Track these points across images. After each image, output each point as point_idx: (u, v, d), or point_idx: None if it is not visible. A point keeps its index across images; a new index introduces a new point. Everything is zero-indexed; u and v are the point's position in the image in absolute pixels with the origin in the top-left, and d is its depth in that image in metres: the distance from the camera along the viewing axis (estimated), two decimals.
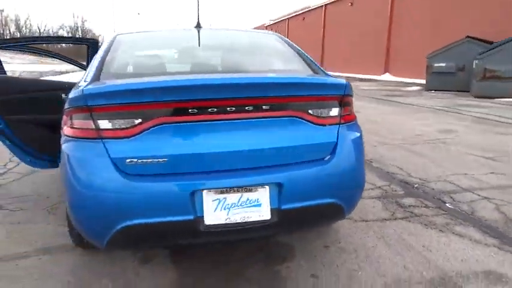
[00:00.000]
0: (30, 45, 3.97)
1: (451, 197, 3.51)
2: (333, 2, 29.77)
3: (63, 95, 3.21)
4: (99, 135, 1.82)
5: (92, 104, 1.80)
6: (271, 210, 1.88)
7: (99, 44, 3.36)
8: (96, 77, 2.08)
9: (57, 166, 3.42)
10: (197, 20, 2.81)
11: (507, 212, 3.15)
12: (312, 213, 1.99)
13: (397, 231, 2.83)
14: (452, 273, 2.28)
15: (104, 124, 1.81)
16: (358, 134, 2.16)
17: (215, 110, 1.84)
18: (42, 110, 3.25)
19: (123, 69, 2.29)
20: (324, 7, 31.45)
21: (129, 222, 1.78)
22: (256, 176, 1.87)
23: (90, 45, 3.32)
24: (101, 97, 1.81)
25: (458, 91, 13.25)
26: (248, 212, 1.86)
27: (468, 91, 12.61)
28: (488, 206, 3.30)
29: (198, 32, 2.83)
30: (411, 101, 11.12)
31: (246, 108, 1.87)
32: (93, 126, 1.82)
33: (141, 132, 1.81)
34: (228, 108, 1.85)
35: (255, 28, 52.28)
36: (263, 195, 1.87)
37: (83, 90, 1.82)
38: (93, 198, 1.80)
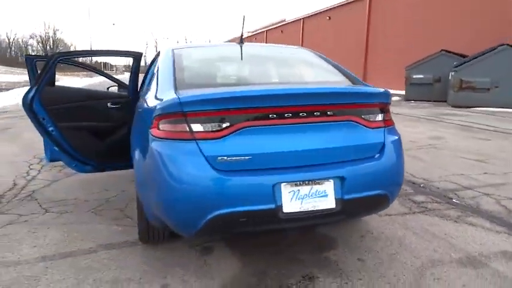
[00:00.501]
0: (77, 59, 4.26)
1: (456, 194, 3.95)
2: (310, 15, 30.72)
3: (108, 104, 3.48)
4: (193, 137, 2.11)
5: (187, 110, 2.10)
6: (336, 200, 2.22)
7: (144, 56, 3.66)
8: (175, 87, 2.38)
9: (99, 171, 3.65)
10: (241, 37, 3.14)
11: (507, 205, 3.61)
12: (366, 203, 2.34)
13: (419, 222, 3.22)
14: (475, 254, 2.68)
15: (197, 127, 2.11)
16: (398, 137, 2.55)
17: (290, 115, 2.18)
18: (89, 117, 3.49)
19: (196, 80, 2.58)
20: (302, 20, 32.38)
21: (220, 212, 2.08)
22: (324, 171, 2.21)
23: (136, 58, 3.59)
24: (195, 104, 2.12)
25: (435, 101, 14.07)
26: (317, 201, 2.19)
27: (445, 101, 13.43)
28: (490, 200, 3.75)
29: (240, 46, 3.16)
30: (395, 110, 11.77)
31: (314, 113, 2.22)
32: (187, 129, 2.12)
33: (229, 134, 2.12)
34: (300, 114, 2.19)
35: (231, 39, 52.82)
36: (329, 187, 2.21)
37: (179, 98, 2.12)
38: (189, 191, 2.08)
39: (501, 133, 7.70)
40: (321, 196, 2.20)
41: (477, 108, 11.87)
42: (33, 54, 3.88)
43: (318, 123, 2.24)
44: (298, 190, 2.17)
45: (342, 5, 26.10)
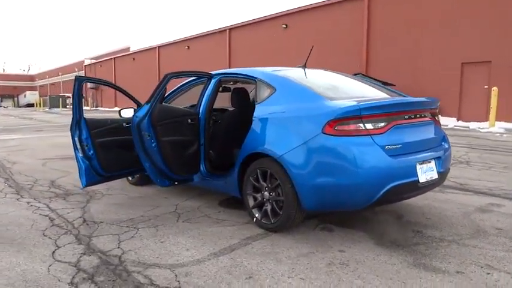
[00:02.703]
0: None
1: None
2: (167, 44, 31.43)
3: (189, 120, 3.83)
4: (368, 133, 2.91)
5: (363, 114, 2.90)
6: (437, 172, 3.30)
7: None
8: (323, 99, 3.12)
9: (171, 185, 3.89)
10: (305, 63, 3.99)
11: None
12: (445, 175, 3.50)
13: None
14: None
15: (369, 126, 2.92)
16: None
17: (412, 116, 3.19)
18: (178, 133, 3.73)
19: (334, 95, 3.31)
20: (157, 49, 32.79)
21: (391, 184, 2.91)
22: (431, 153, 3.26)
23: (209, 78, 3.99)
24: (368, 110, 2.92)
25: None
26: (430, 174, 3.22)
27: None
28: None
29: (306, 69, 3.99)
30: None
31: (422, 115, 3.28)
32: (364, 127, 2.91)
33: (387, 130, 2.98)
34: (417, 115, 3.23)
35: (74, 63, 48.75)
36: (433, 164, 3.27)
37: (359, 105, 2.90)
38: (373, 171, 2.85)
39: None
40: (431, 170, 3.24)
41: None
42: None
43: (423, 122, 3.31)
44: (422, 167, 3.16)
45: (201, 36, 27.77)
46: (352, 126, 2.92)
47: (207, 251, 2.98)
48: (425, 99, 3.39)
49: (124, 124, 4.29)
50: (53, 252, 3.02)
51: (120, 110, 4.59)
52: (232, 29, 24.99)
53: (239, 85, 4.57)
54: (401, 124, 3.10)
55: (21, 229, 3.54)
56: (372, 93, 3.72)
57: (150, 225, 3.61)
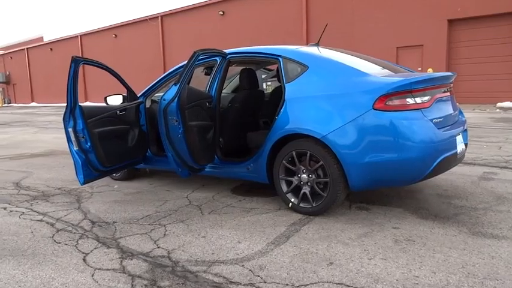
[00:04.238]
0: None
1: None
2: (90, 33, 29.23)
3: (207, 104, 3.53)
4: (418, 107, 2.88)
5: (414, 88, 2.86)
6: (463, 143, 3.40)
7: None
8: (367, 75, 3.03)
9: (191, 175, 3.58)
10: (318, 40, 3.86)
11: None
12: (466, 147, 3.62)
13: None
14: None
15: (418, 100, 2.89)
16: None
17: (446, 90, 3.23)
18: (201, 117, 3.39)
19: (369, 71, 3.19)
20: (79, 37, 30.36)
21: (442, 156, 2.92)
22: (461, 127, 3.34)
23: (223, 57, 3.66)
24: (417, 83, 2.88)
25: None
26: (461, 146, 3.30)
27: None
28: None
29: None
30: None
31: (450, 89, 3.34)
32: (414, 102, 2.87)
33: (432, 104, 2.98)
34: (448, 89, 3.28)
35: None
36: (461, 137, 3.36)
37: (410, 79, 2.84)
38: (428, 144, 2.81)
39: None
40: (461, 142, 3.33)
41: None
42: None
43: (450, 96, 3.37)
44: (456, 139, 3.23)
45: (130, 23, 26.21)
46: (403, 101, 2.86)
47: (263, 242, 2.75)
48: (451, 73, 3.45)
49: (118, 112, 3.82)
50: (83, 259, 2.57)
51: (106, 97, 4.10)
52: (164, 16, 23.93)
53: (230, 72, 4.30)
54: (440, 98, 3.12)
55: (21, 238, 2.99)
56: (389, 69, 3.70)
57: (175, 220, 3.26)
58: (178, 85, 3.10)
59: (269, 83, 5.82)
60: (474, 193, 3.69)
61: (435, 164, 2.90)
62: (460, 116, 3.60)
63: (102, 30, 28.49)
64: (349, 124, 2.93)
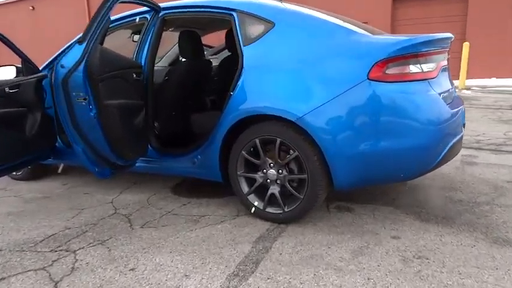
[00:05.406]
0: None
1: None
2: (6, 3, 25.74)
3: (134, 75, 2.56)
4: (424, 77, 2.13)
5: (420, 51, 2.10)
6: (463, 125, 2.75)
7: None
8: (360, 34, 2.23)
9: (119, 173, 2.63)
10: None
11: None
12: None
13: None
14: None
15: (425, 67, 2.13)
16: None
17: (447, 56, 2.52)
18: (121, 93, 2.39)
19: (367, 30, 2.36)
20: None
21: (453, 140, 2.24)
22: (462, 105, 2.63)
23: (157, 12, 2.62)
24: (425, 45, 2.10)
25: None
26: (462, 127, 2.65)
27: None
28: None
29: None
30: None
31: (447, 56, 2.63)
32: (420, 70, 2.12)
33: (438, 73, 2.27)
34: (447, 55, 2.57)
35: None
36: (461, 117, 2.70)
37: (415, 39, 2.07)
38: (441, 125, 2.10)
39: None
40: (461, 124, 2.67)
41: None
42: None
43: (448, 66, 2.68)
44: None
45: None
46: (406, 68, 2.11)
47: (221, 274, 1.89)
48: (451, 35, 2.76)
49: (6, 89, 2.69)
50: None
51: None
52: None
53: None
54: (443, 66, 2.42)
55: None
56: (368, 30, 2.95)
57: (92, 241, 2.29)
58: (84, 44, 2.08)
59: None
60: (465, 182, 3.10)
61: (445, 151, 2.21)
62: (455, 93, 2.96)
63: (16, 1, 25.16)
64: (335, 101, 2.13)
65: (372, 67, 2.07)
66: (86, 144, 2.24)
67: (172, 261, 2.01)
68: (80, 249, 2.20)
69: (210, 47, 4.77)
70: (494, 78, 11.55)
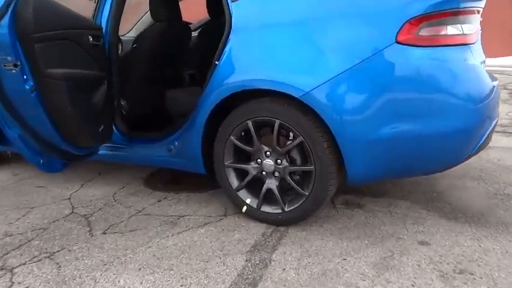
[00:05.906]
0: None
1: None
2: None
3: (90, 38, 1.99)
4: (465, 41, 1.67)
5: (463, 7, 1.63)
6: None
7: None
8: None
9: (73, 164, 2.11)
10: None
11: None
12: None
13: None
14: None
15: (466, 29, 1.67)
16: None
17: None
18: (72, 60, 1.83)
19: None
20: None
21: (494, 122, 1.84)
22: (495, 79, 2.23)
23: None
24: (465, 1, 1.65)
25: None
26: None
27: None
28: None
29: None
30: None
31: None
32: (462, 32, 1.65)
33: (477, 39, 1.81)
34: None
35: None
36: None
37: None
38: (483, 102, 1.66)
39: None
40: None
41: None
42: None
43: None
44: None
45: None
46: (443, 29, 1.63)
47: None
48: None
49: None
50: None
51: None
52: None
53: None
54: (480, 30, 1.95)
55: None
56: None
57: (38, 253, 1.78)
58: None
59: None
60: (485, 170, 2.71)
61: (486, 135, 1.78)
62: None
63: None
64: (352, 71, 1.64)
65: (402, 26, 1.59)
66: (23, 127, 1.69)
67: (141, 284, 1.52)
68: (19, 265, 1.68)
69: (189, 23, 4.17)
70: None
